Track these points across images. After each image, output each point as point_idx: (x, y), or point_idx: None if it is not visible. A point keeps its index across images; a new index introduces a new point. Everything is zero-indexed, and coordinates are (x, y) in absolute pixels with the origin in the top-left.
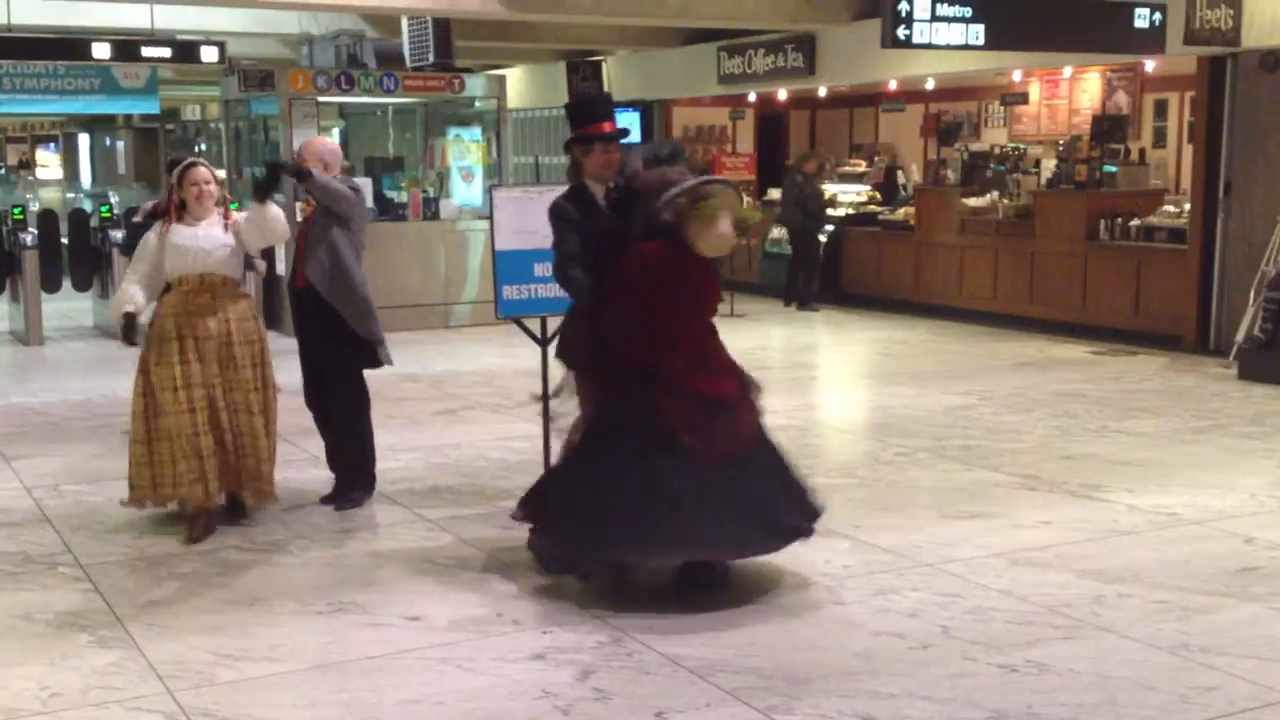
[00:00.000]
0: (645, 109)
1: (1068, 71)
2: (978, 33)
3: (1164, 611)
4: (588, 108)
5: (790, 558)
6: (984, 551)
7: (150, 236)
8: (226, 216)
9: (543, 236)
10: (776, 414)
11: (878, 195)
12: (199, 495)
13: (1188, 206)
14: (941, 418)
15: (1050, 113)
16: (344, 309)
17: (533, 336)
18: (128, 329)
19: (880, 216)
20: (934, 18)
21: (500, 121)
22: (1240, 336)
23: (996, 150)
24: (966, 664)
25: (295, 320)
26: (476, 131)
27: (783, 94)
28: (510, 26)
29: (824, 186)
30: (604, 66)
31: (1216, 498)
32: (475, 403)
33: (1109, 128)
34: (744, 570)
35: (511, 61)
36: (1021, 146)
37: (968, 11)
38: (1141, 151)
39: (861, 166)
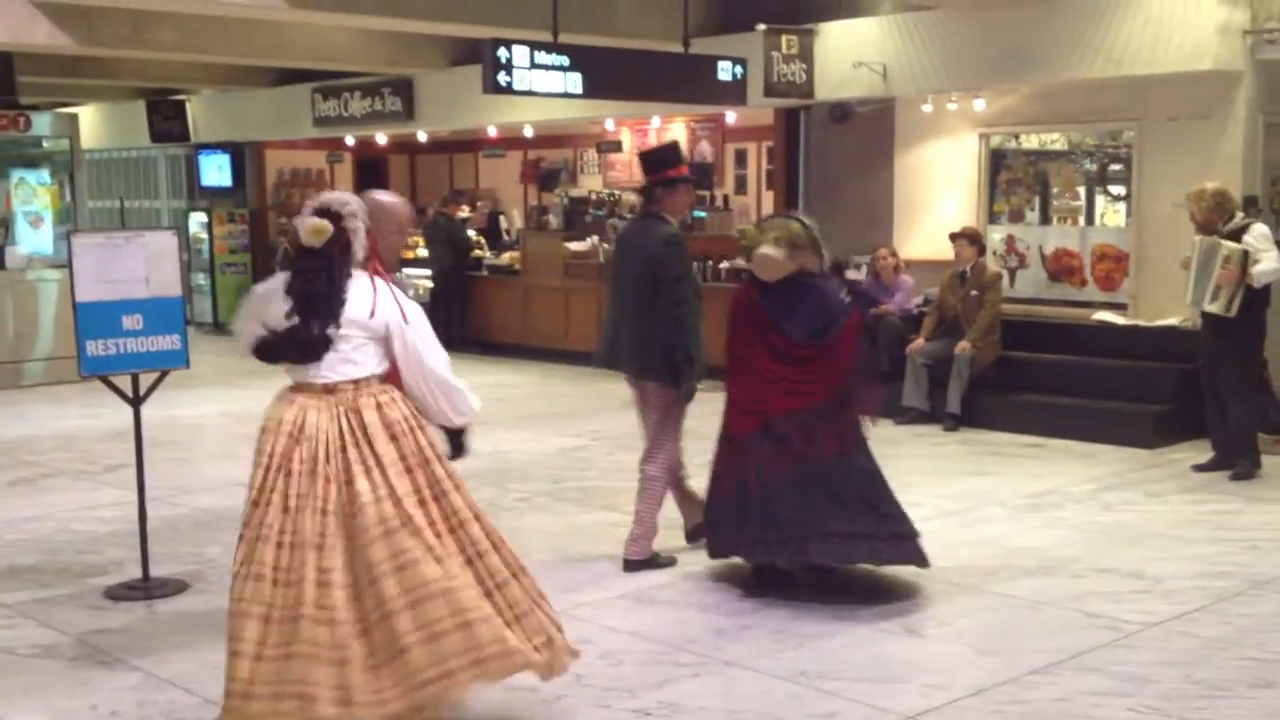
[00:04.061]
0: (235, 151)
1: (657, 121)
2: (575, 81)
3: (781, 640)
4: (672, 154)
5: None
6: (608, 593)
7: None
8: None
9: (132, 285)
10: None
11: (482, 240)
12: None
13: None
14: (557, 460)
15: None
16: None
17: (123, 395)
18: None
19: (486, 261)
20: (533, 65)
21: (73, 163)
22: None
23: (594, 196)
24: (601, 712)
25: None
26: (45, 173)
27: (382, 138)
28: (83, 62)
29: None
30: (188, 106)
31: None
32: (56, 469)
33: (697, 175)
34: None
35: (85, 99)
36: (617, 193)
37: (565, 61)
38: (725, 198)
39: (465, 212)
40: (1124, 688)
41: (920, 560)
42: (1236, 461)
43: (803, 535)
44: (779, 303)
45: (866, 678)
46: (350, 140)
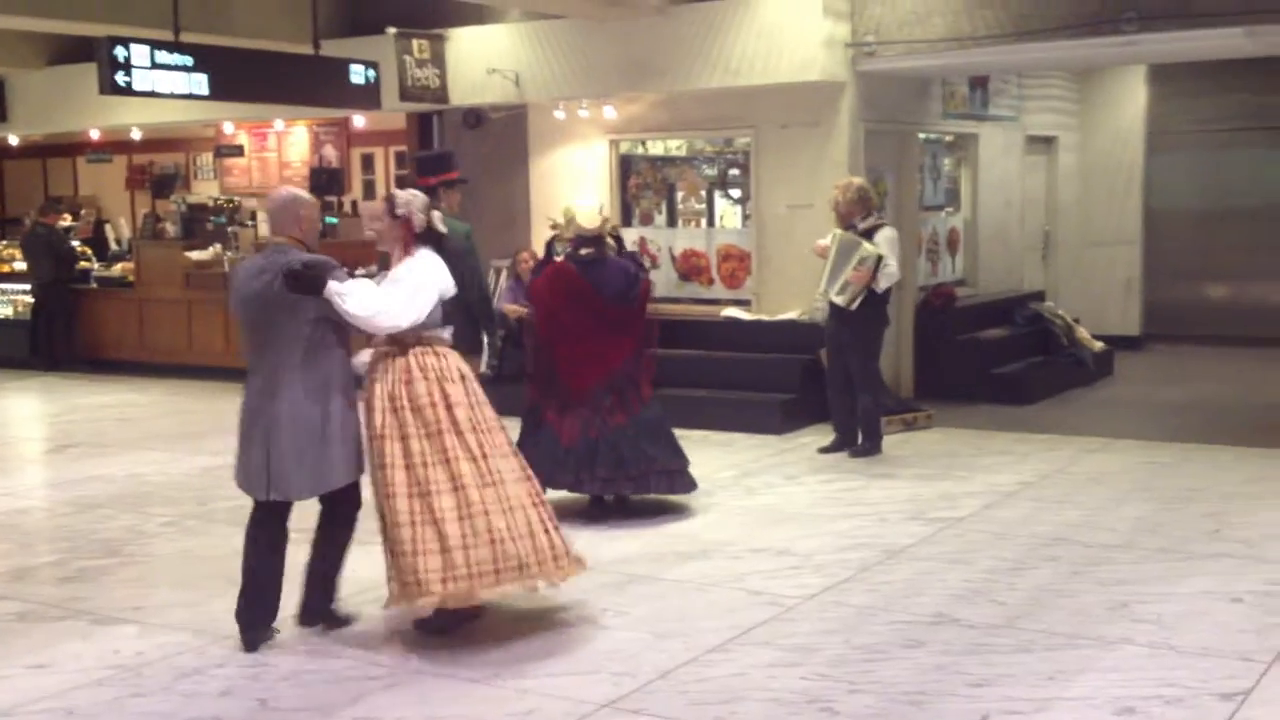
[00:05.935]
0: None
1: (279, 125)
2: (200, 82)
3: (469, 642)
4: (450, 158)
5: (76, 652)
6: (281, 611)
7: None
8: None
9: None
10: (5, 496)
11: (88, 250)
12: None
13: None
14: (200, 480)
15: (261, 165)
16: None
17: None
18: None
19: (94, 273)
20: (154, 65)
21: None
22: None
23: (214, 202)
24: None
25: None
26: None
27: None
28: None
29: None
30: None
31: None
32: None
33: (326, 180)
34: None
35: None
36: (236, 199)
37: (189, 61)
38: (354, 203)
39: (67, 220)
40: (793, 658)
41: (693, 487)
42: (857, 441)
43: (642, 472)
44: (596, 274)
45: (558, 671)
46: None
